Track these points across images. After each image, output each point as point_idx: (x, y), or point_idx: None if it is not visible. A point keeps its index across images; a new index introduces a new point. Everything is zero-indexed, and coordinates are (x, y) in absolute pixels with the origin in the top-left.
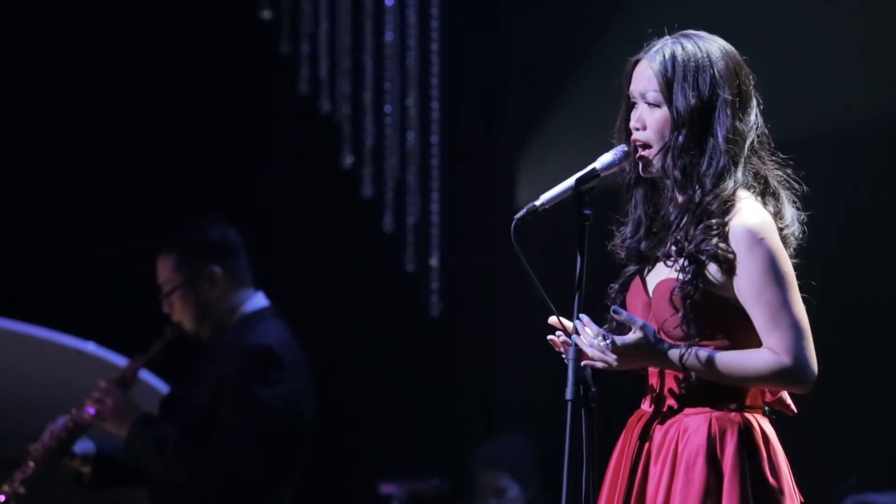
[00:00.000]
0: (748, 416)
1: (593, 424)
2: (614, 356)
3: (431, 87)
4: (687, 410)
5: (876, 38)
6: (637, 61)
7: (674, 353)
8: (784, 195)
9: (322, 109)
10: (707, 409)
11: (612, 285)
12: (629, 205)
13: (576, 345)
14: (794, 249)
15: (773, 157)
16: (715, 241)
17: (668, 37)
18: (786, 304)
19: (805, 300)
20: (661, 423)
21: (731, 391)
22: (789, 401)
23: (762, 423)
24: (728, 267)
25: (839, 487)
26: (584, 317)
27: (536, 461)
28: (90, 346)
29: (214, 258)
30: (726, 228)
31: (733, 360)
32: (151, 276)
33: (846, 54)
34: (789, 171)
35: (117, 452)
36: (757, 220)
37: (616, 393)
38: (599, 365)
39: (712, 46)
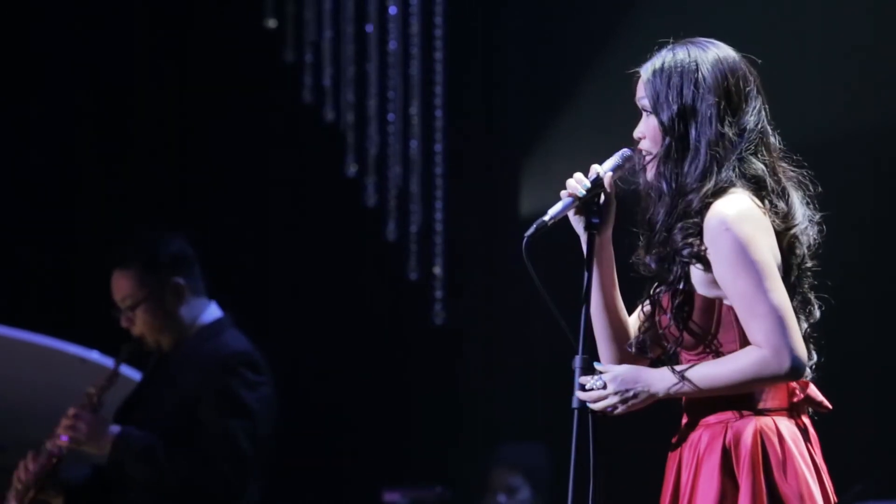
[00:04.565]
0: (766, 419)
1: (598, 433)
2: (611, 392)
3: (435, 95)
4: (708, 419)
5: (882, 42)
6: (639, 72)
7: (667, 379)
8: (796, 196)
9: (326, 118)
10: (726, 415)
11: (644, 302)
12: (648, 214)
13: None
14: (809, 249)
15: (785, 159)
16: (691, 240)
17: (669, 46)
18: (759, 293)
19: (823, 300)
20: (688, 433)
21: (747, 395)
22: (820, 398)
23: (780, 426)
24: (706, 265)
25: (844, 495)
26: (583, 377)
27: (552, 471)
28: (94, 355)
29: (176, 270)
30: (702, 226)
31: (716, 368)
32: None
33: (850, 59)
34: (803, 171)
35: (88, 480)
36: (727, 210)
37: None
38: (610, 411)
39: (703, 53)
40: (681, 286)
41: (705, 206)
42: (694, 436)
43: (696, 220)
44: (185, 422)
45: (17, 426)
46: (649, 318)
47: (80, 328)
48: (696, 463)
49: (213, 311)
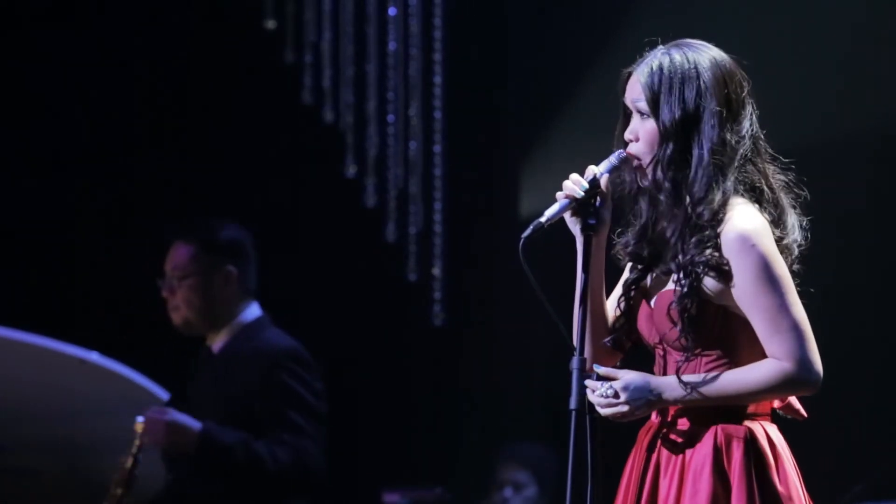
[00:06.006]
0: (754, 423)
1: (597, 433)
2: (622, 400)
3: (434, 96)
4: (694, 420)
5: (880, 41)
6: (630, 72)
7: (678, 388)
8: (785, 202)
9: (325, 119)
10: (713, 418)
11: (619, 297)
12: (634, 211)
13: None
14: (796, 256)
15: (773, 163)
16: (708, 252)
17: (661, 47)
18: (783, 308)
19: (805, 307)
20: (670, 434)
21: None
22: (798, 406)
23: (769, 430)
24: (723, 276)
25: (843, 496)
26: (588, 381)
27: (559, 471)
28: (94, 356)
29: (232, 258)
30: (719, 239)
31: (735, 379)
32: (157, 287)
33: (848, 59)
34: (791, 176)
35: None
36: (748, 225)
37: None
38: (617, 416)
39: (701, 56)
40: (692, 297)
41: (716, 217)
42: (677, 436)
43: (710, 232)
44: (236, 421)
45: (17, 426)
46: (624, 315)
47: (80, 329)
48: (681, 463)
49: (253, 310)
